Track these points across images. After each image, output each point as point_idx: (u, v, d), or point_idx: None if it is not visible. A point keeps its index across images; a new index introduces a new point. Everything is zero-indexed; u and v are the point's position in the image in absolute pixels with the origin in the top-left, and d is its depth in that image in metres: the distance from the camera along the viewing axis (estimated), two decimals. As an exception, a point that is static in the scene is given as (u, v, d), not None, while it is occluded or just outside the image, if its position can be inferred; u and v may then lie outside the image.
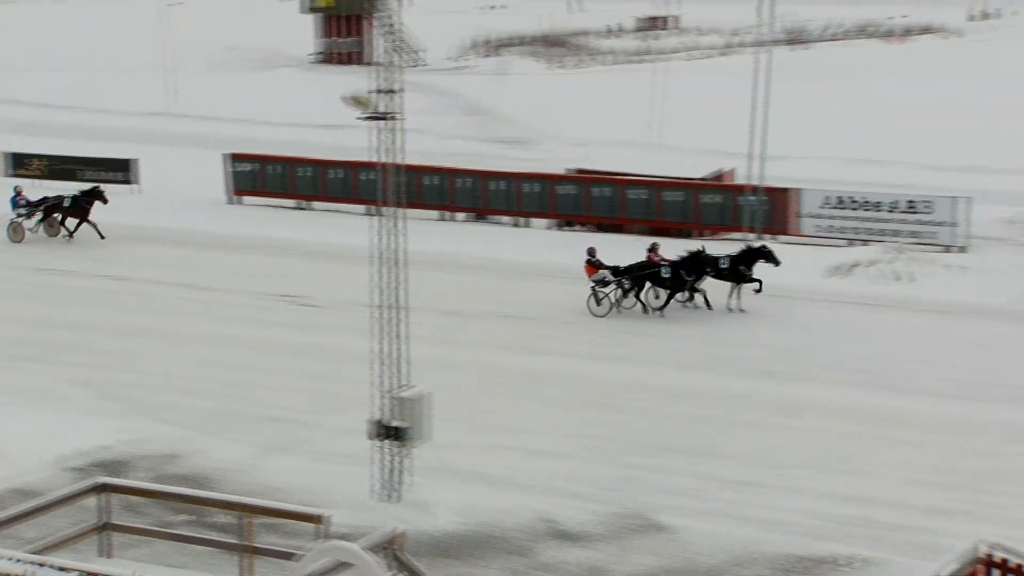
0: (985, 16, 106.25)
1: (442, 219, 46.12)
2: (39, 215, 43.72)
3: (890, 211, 40.97)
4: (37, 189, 46.85)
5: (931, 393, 29.69)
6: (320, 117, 61.58)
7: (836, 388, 30.19)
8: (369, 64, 25.36)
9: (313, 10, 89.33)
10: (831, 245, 40.70)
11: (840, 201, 41.82)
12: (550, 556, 22.48)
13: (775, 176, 43.07)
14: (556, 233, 45.06)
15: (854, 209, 41.52)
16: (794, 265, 38.91)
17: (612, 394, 29.87)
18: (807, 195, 42.26)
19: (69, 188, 45.00)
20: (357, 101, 22.36)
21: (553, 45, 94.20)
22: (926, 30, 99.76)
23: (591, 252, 36.14)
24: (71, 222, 43.65)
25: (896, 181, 46.11)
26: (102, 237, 43.01)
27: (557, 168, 48.63)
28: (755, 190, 42.24)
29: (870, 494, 24.52)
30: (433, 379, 25.40)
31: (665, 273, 35.33)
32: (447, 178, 46.23)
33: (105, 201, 43.60)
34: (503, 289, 38.28)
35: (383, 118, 23.74)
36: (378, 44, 24.46)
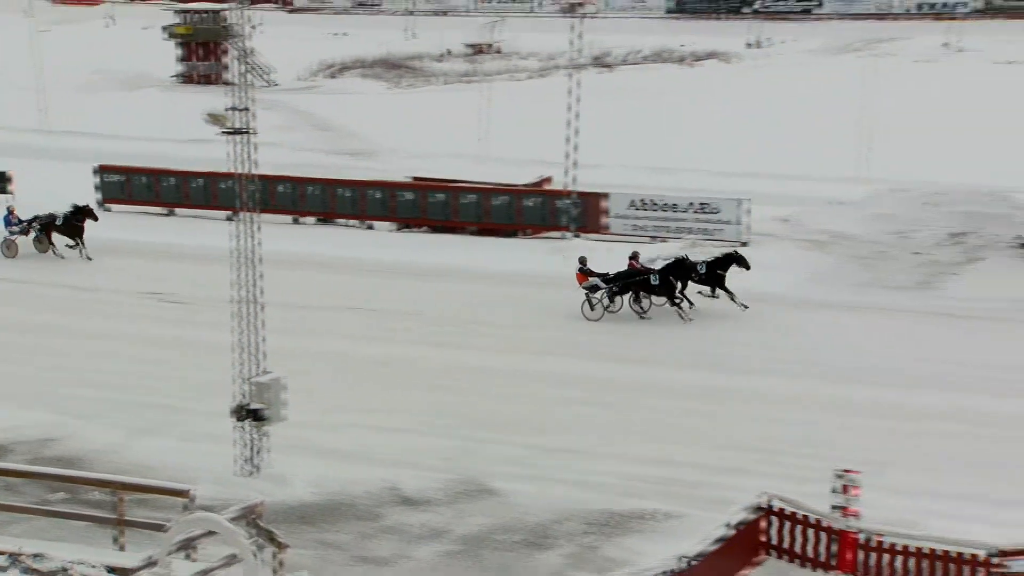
0: (759, 45, 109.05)
1: (295, 223, 45.77)
2: (34, 232, 41.27)
3: (685, 212, 41.70)
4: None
5: (724, 369, 30.33)
6: (182, 132, 60.45)
7: (644, 367, 30.70)
8: (226, 84, 25.18)
9: (173, 36, 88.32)
10: (636, 241, 41.22)
11: (643, 203, 42.44)
12: (395, 520, 22.60)
13: (587, 182, 43.49)
14: (396, 234, 45.10)
15: (655, 210, 42.16)
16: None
17: (449, 376, 30.03)
18: (615, 198, 42.82)
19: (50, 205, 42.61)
20: (215, 118, 21.95)
21: (392, 68, 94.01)
22: (711, 56, 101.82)
23: (582, 261, 35.55)
24: (60, 238, 41.30)
25: (689, 186, 46.84)
26: (87, 258, 41.05)
27: (397, 176, 48.57)
28: (570, 194, 42.69)
29: (672, 458, 25.03)
30: (289, 366, 25.30)
31: (654, 280, 34.59)
32: (298, 186, 45.93)
33: (95, 218, 41.63)
34: (351, 285, 38.20)
35: (239, 133, 23.64)
36: (233, 67, 24.32)
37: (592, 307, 34.73)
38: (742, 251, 36.76)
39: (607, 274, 35.14)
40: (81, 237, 41.37)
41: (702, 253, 36.73)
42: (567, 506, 22.78)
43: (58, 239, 41.53)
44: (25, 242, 41.61)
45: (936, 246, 39.77)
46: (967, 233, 40.43)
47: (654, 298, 35.01)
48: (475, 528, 22.22)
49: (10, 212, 42.07)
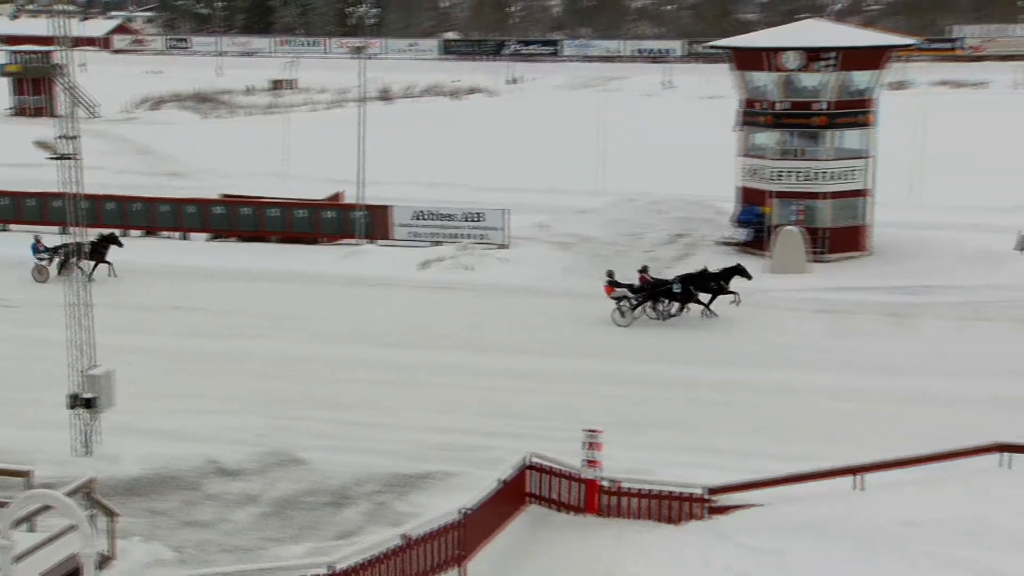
0: (515, 81, 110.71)
1: (121, 235, 44.07)
2: (59, 258, 36.94)
3: (458, 220, 41.79)
4: None
5: (492, 349, 30.48)
6: (16, 158, 57.86)
7: (425, 350, 30.62)
8: (55, 116, 24.18)
9: (4, 74, 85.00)
10: (418, 246, 41.17)
11: (423, 214, 42.36)
12: (215, 488, 22.05)
13: (375, 196, 43.25)
14: (211, 244, 43.93)
15: (433, 219, 42.13)
16: (393, 262, 39.33)
17: (263, 364, 29.44)
18: (398, 210, 42.62)
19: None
20: (45, 145, 21.13)
21: (204, 101, 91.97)
22: (476, 90, 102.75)
23: (610, 274, 33.97)
24: (87, 263, 36.00)
25: (460, 199, 47.01)
26: (115, 276, 37.53)
27: (211, 194, 47.47)
28: (361, 207, 42.32)
29: (453, 426, 25.04)
30: (123, 360, 24.47)
31: (676, 288, 33.18)
32: (122, 204, 44.34)
33: (120, 245, 38.39)
34: (174, 288, 37.05)
35: (67, 158, 22.76)
36: (61, 100, 23.37)
37: (623, 315, 33.02)
38: (731, 263, 34.93)
39: (632, 285, 33.52)
40: (104, 260, 37.83)
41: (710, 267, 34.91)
42: (364, 471, 22.58)
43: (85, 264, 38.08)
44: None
45: (659, 245, 40.82)
46: (683, 234, 41.62)
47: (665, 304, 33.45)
48: (285, 492, 21.84)
49: (37, 242, 38.43)
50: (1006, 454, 20.07)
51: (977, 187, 50.71)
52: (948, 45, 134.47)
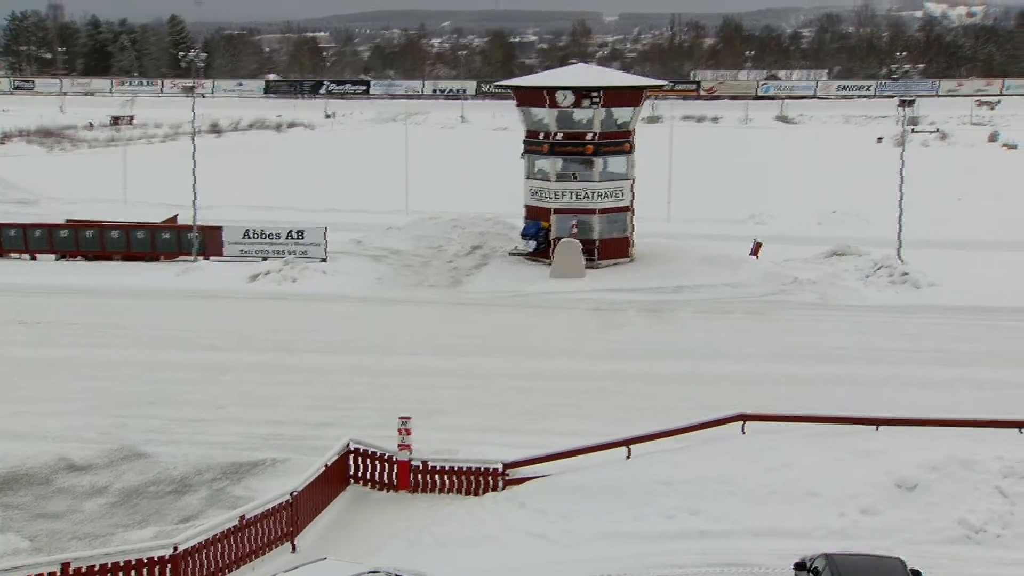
0: (331, 116, 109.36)
1: (-28, 258, 41.59)
2: None
3: (283, 238, 40.90)
4: None
5: (314, 351, 29.97)
6: None
7: (252, 353, 29.88)
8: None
9: None
10: (249, 261, 40.13)
11: (251, 233, 41.27)
12: (65, 483, 20.96)
13: (208, 218, 41.95)
14: (58, 263, 41.67)
15: (260, 238, 41.10)
16: (225, 276, 38.18)
17: (104, 369, 28.10)
18: (229, 230, 41.41)
19: None
20: None
21: (49, 136, 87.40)
22: (296, 124, 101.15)
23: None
24: None
25: (284, 219, 46.10)
26: None
27: (58, 218, 45.11)
28: (194, 228, 40.96)
29: (279, 419, 24.49)
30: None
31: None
32: (-28, 229, 41.73)
33: None
34: (22, 304, 34.99)
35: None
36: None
37: None
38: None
39: None
40: None
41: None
42: (203, 461, 21.83)
43: None
44: None
45: (459, 256, 40.99)
46: (479, 246, 41.91)
47: None
48: (131, 484, 20.92)
49: None
50: (746, 423, 20.93)
51: (718, 202, 52.86)
52: (691, 86, 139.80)
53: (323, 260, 39.89)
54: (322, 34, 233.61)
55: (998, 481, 18.39)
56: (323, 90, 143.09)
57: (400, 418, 20.37)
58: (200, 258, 40.56)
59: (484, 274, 38.71)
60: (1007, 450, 19.16)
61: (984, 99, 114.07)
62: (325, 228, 40.75)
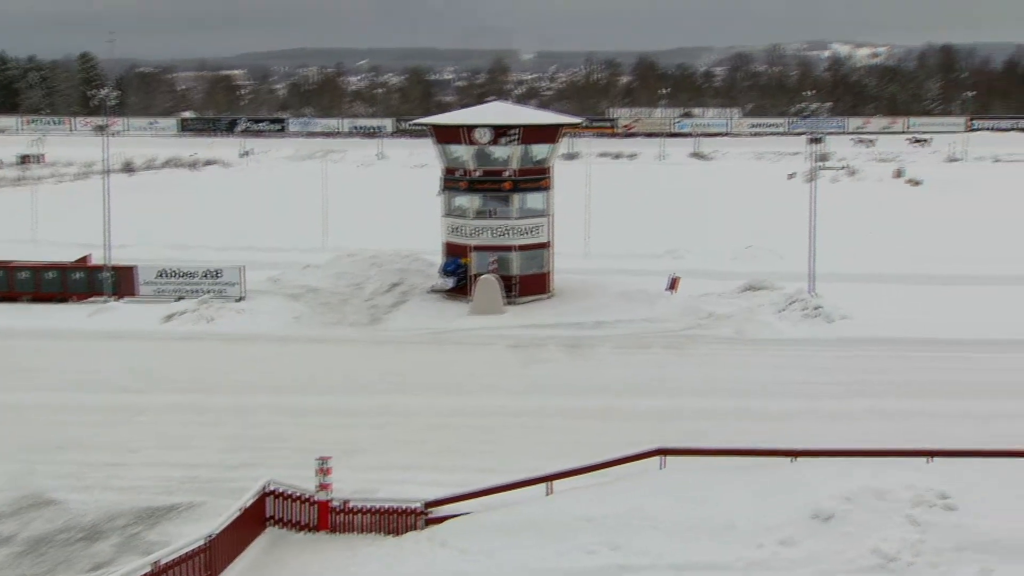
0: (247, 154, 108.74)
1: None
2: None
3: (199, 277, 40.28)
4: None
5: (230, 391, 29.43)
6: None
7: (166, 394, 29.24)
8: None
9: None
10: (163, 301, 39.39)
11: (167, 272, 40.57)
12: (-31, 534, 20.15)
13: (122, 258, 41.15)
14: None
15: (175, 277, 40.41)
16: (139, 316, 37.42)
17: (11, 414, 27.23)
18: (143, 269, 40.62)
19: None
20: None
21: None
22: (212, 162, 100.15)
23: None
24: None
25: (200, 258, 45.46)
26: None
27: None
28: (107, 268, 40.12)
29: (195, 461, 23.98)
30: None
31: None
32: None
33: None
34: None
35: None
36: None
37: None
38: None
39: None
40: None
41: None
42: (115, 507, 21.23)
43: None
44: None
45: (378, 294, 40.79)
46: (398, 283, 41.77)
47: None
48: (39, 532, 20.23)
49: None
50: (665, 457, 21.10)
51: (635, 238, 53.57)
52: (608, 123, 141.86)
53: (240, 299, 39.36)
54: (238, 71, 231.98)
55: (909, 510, 18.82)
56: (239, 128, 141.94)
57: (319, 458, 20.11)
58: (113, 298, 39.71)
59: (403, 311, 38.57)
60: (917, 479, 19.63)
61: (863, 136, 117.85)
62: (242, 267, 40.25)
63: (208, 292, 39.73)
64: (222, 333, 36.09)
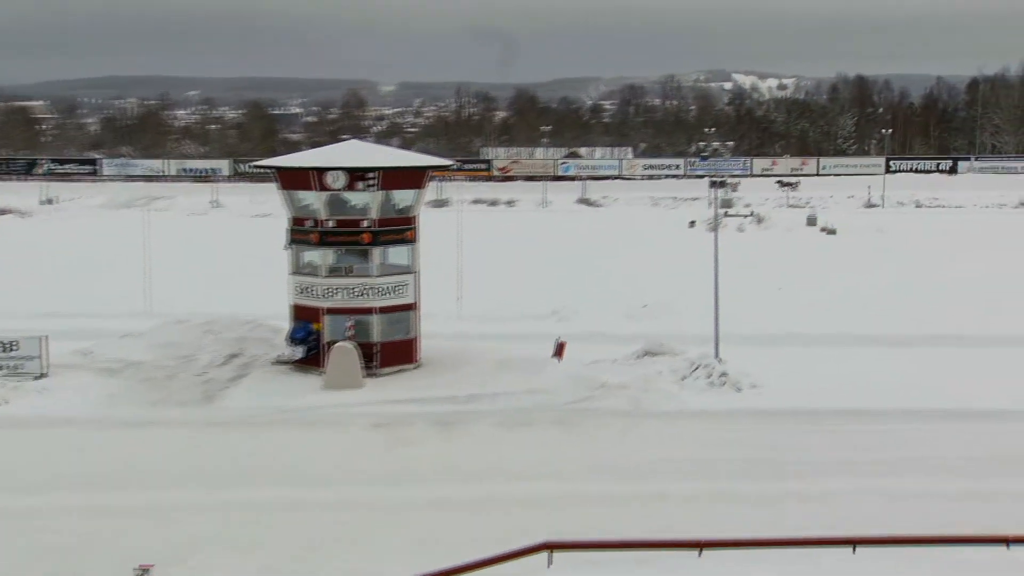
0: (50, 201, 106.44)
1: None
2: None
3: (-10, 350, 39.00)
4: None
5: (25, 490, 28.43)
6: None
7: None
8: None
9: None
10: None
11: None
12: None
13: None
14: None
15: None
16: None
17: None
18: (-80, 342, 39.13)
19: None
20: None
21: None
22: (6, 211, 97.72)
23: None
24: None
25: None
26: None
27: None
28: None
29: None
30: None
31: None
32: None
33: None
34: None
35: None
36: None
37: None
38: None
39: None
40: None
41: None
42: None
43: None
44: None
45: (213, 367, 40.16)
46: (237, 355, 41.22)
47: None
48: None
49: None
50: (553, 552, 21.19)
51: (515, 297, 54.05)
52: (482, 165, 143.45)
53: (40, 376, 38.30)
54: (38, 103, 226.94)
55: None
56: (40, 169, 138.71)
57: (139, 567, 19.59)
58: None
59: (243, 387, 38.03)
60: (841, 570, 20.16)
61: (787, 179, 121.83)
62: (43, 337, 39.14)
63: (1, 369, 38.50)
64: (18, 417, 34.96)
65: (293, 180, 40.12)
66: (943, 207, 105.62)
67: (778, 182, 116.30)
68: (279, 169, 41.17)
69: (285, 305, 40.80)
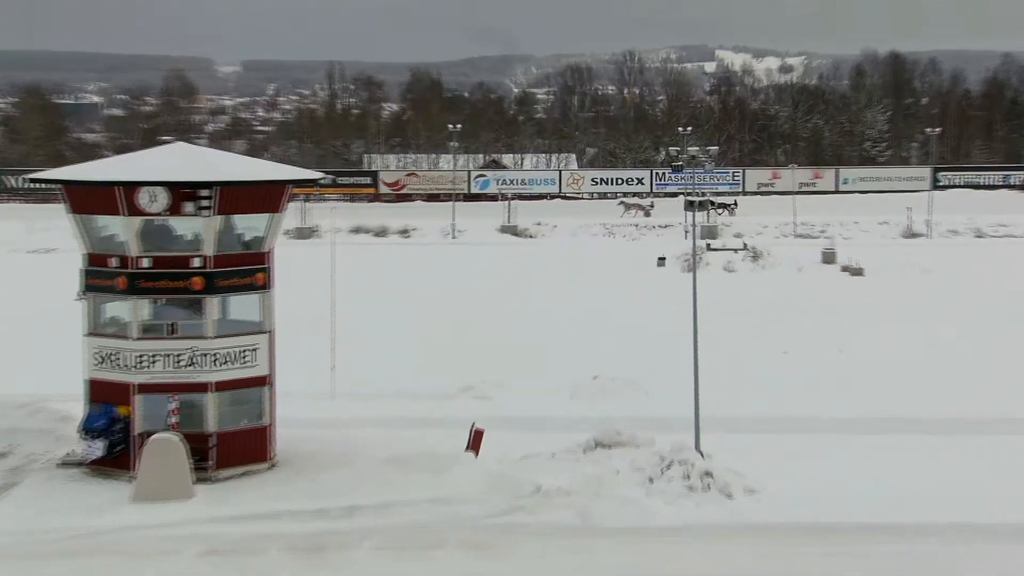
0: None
1: None
2: None
3: None
4: None
5: None
6: None
7: None
8: None
9: None
10: None
11: None
12: None
13: None
14: None
15: None
16: None
17: None
18: None
19: None
20: None
21: None
22: None
23: None
24: None
25: None
26: None
27: None
28: None
29: None
30: None
31: None
32: None
33: None
34: None
35: None
36: None
37: None
38: None
39: None
40: None
41: None
42: None
43: None
44: None
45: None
46: (5, 454, 40.75)
47: None
48: None
49: None
50: None
51: (413, 368, 54.00)
52: (366, 179, 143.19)
53: None
54: None
55: None
56: None
57: None
58: None
59: (11, 502, 37.54)
60: None
61: (722, 200, 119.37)
62: None
63: None
64: None
65: (90, 200, 39.85)
66: (1013, 237, 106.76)
67: (709, 202, 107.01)
68: (68, 184, 40.84)
69: (78, 380, 40.46)
